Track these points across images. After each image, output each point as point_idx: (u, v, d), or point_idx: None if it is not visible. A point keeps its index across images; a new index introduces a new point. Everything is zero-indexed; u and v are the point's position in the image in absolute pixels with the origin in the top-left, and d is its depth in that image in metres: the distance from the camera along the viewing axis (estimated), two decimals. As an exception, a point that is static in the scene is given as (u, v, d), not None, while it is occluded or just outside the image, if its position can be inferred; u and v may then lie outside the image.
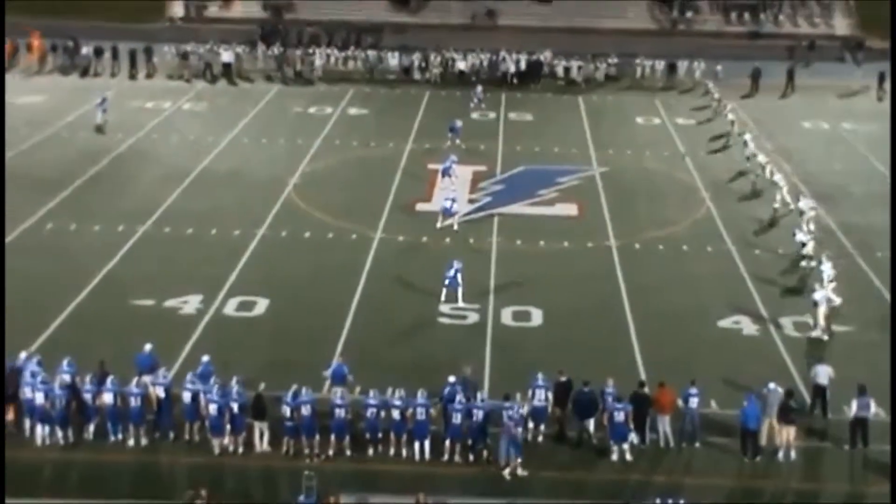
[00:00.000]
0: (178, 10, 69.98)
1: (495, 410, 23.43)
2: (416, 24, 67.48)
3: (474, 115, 51.41)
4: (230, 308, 30.19)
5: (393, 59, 60.44)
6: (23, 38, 59.85)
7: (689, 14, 68.07)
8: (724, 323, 29.86)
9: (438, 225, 36.18)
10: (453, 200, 36.64)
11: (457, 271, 30.52)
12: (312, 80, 57.95)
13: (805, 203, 36.91)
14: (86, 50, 59.24)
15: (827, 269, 30.70)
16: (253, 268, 33.01)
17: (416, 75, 59.07)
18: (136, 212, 37.14)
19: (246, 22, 67.12)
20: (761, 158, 42.09)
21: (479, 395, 23.88)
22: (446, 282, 30.52)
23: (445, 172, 39.76)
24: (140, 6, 68.61)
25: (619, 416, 23.45)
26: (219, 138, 46.42)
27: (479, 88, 53.26)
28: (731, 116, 48.64)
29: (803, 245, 33.97)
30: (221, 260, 33.33)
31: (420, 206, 38.61)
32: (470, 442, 23.43)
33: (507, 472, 22.84)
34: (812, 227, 35.68)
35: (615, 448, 23.57)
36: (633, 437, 23.76)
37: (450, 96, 55.73)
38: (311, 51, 60.69)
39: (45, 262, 33.04)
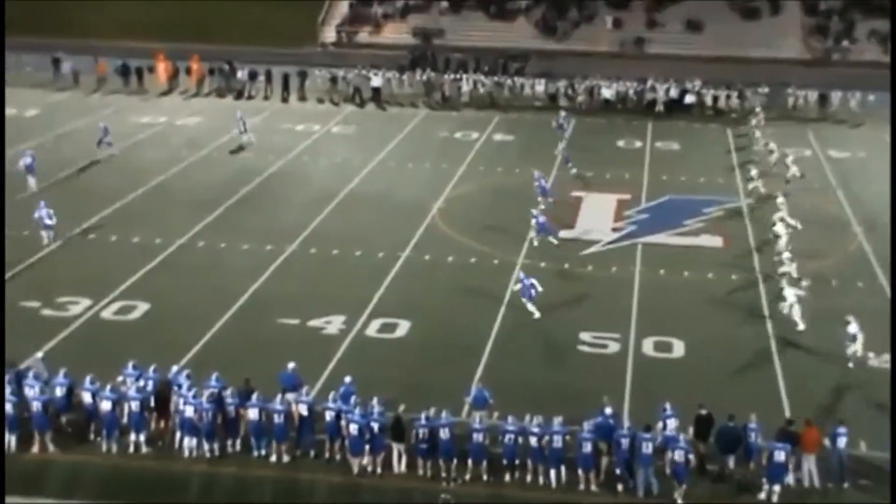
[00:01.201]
0: (330, 35, 71.31)
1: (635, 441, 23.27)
2: (564, 51, 67.36)
3: (620, 143, 51.01)
4: (372, 329, 30.54)
5: (539, 86, 60.54)
6: (182, 62, 62.05)
7: (845, 43, 66.35)
8: (875, 361, 28.90)
9: (534, 240, 36.55)
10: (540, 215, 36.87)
11: (530, 282, 31.03)
12: (459, 106, 58.43)
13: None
14: (241, 73, 61.04)
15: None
16: (396, 290, 33.34)
17: (562, 102, 59.00)
18: (283, 232, 37.88)
19: (395, 48, 67.96)
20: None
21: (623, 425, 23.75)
22: (524, 297, 31.05)
23: (543, 191, 40.12)
24: (295, 32, 70.14)
25: (780, 456, 22.81)
26: (366, 161, 47.13)
27: (563, 114, 52.44)
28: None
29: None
30: (365, 281, 33.72)
31: (563, 233, 38.51)
32: (618, 471, 23.28)
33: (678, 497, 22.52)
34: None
35: (766, 487, 22.95)
36: (791, 477, 23.15)
37: (594, 124, 55.50)
38: (458, 76, 61.29)
39: (197, 279, 33.99)
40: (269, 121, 54.84)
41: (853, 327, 28.68)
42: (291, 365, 25.57)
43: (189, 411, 24.08)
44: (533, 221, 36.81)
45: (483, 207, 41.48)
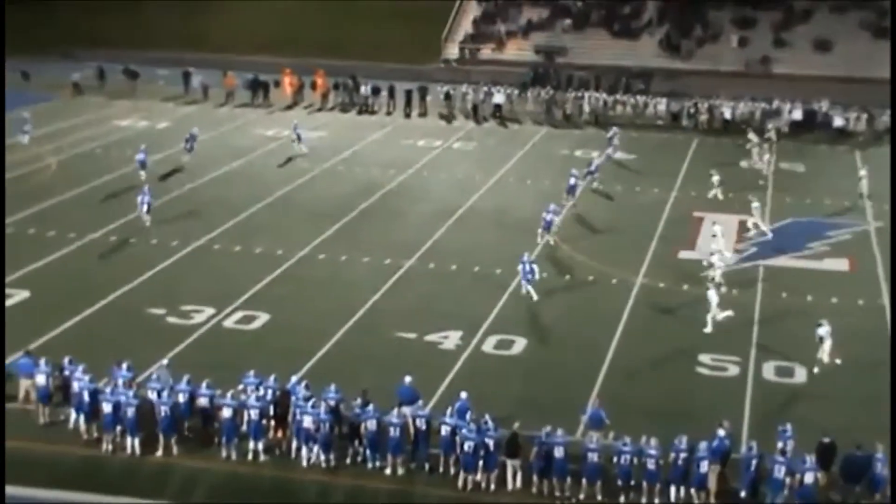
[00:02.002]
0: (453, 52, 71.81)
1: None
2: (687, 70, 66.65)
3: (743, 164, 50.20)
4: (489, 345, 30.51)
5: (661, 105, 60.01)
6: (308, 76, 63.02)
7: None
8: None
9: (539, 240, 37.60)
10: (553, 213, 38.39)
11: (530, 264, 33.04)
12: (580, 124, 58.12)
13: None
14: (364, 88, 61.69)
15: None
16: (513, 307, 33.26)
17: (685, 121, 58.36)
18: (403, 246, 38.15)
19: (517, 65, 68.11)
20: None
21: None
22: (524, 279, 33.06)
23: (570, 190, 42.59)
24: (418, 48, 70.90)
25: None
26: (486, 177, 47.20)
27: (615, 129, 52.06)
28: None
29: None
30: (482, 298, 33.74)
31: (683, 254, 38.01)
32: (743, 494, 23.02)
33: None
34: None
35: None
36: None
37: (718, 144, 54.69)
38: (580, 94, 61.04)
39: (317, 290, 34.39)
40: (390, 136, 55.42)
41: (824, 330, 28.77)
42: (408, 379, 25.49)
43: (307, 421, 24.35)
44: (548, 217, 38.02)
45: (603, 226, 41.25)
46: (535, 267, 33.54)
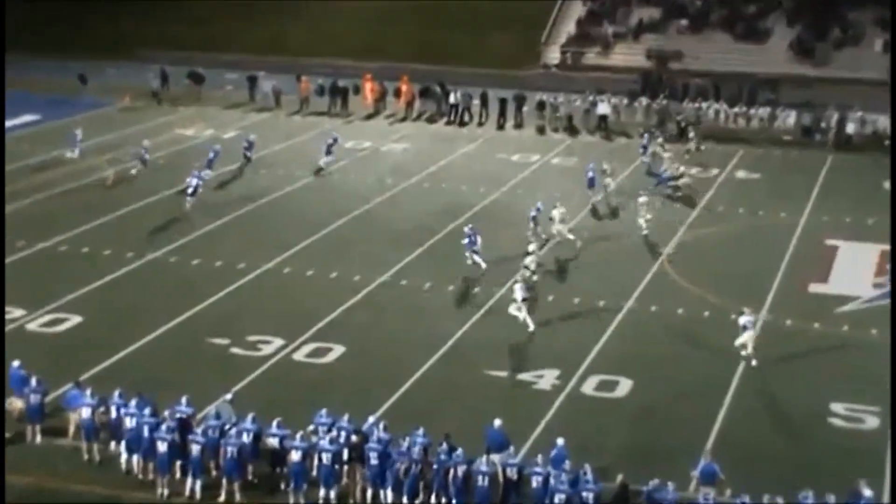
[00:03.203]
0: (553, 56, 71.91)
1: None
2: (822, 77, 65.76)
3: (885, 185, 49.28)
4: (589, 386, 30.37)
5: (790, 118, 59.37)
6: (391, 82, 63.70)
7: None
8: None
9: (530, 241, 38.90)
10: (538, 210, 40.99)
11: (470, 236, 36.82)
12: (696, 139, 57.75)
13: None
14: (454, 96, 62.07)
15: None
16: (616, 344, 33.17)
17: (818, 136, 57.66)
18: (492, 273, 38.22)
19: (626, 71, 67.98)
20: None
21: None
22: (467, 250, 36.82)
23: (591, 183, 46.02)
24: (515, 52, 71.13)
25: None
26: (588, 197, 47.19)
27: (647, 135, 53.06)
28: None
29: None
30: (583, 333, 33.73)
31: (814, 287, 37.54)
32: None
33: None
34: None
35: None
36: None
37: (856, 162, 54.01)
38: (697, 105, 60.76)
39: (398, 321, 34.68)
40: (482, 149, 55.81)
41: (746, 318, 31.68)
42: (498, 422, 25.44)
43: (385, 464, 24.44)
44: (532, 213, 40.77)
45: (721, 254, 40.98)
46: (479, 238, 37.47)
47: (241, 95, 65.57)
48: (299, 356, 32.00)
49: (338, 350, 32.29)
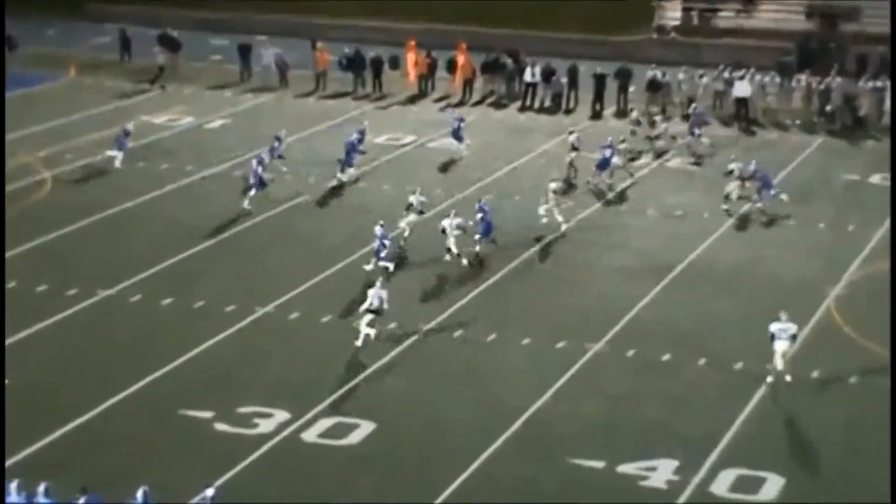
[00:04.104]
0: (673, 15, 71.39)
1: None
2: None
3: None
4: (721, 486, 30.22)
5: None
6: (443, 52, 64.38)
7: None
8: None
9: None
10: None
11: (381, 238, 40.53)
12: (880, 131, 58.04)
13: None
14: (530, 72, 62.57)
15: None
16: (759, 424, 33.01)
17: None
18: (583, 320, 38.46)
19: (775, 36, 67.50)
20: None
21: None
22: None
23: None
24: (616, 11, 70.54)
25: None
26: (720, 215, 47.24)
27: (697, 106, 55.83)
28: None
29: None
30: (712, 407, 33.68)
31: None
32: None
33: None
34: None
35: None
36: None
37: None
38: (879, 84, 60.32)
39: (450, 386, 34.87)
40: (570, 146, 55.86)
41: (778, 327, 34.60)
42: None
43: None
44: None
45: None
46: (388, 242, 40.87)
47: (232, 70, 66.35)
48: (311, 436, 32.03)
49: (365, 427, 32.33)
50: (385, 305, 36.73)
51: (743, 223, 46.97)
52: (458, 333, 37.96)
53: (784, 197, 47.65)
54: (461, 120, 54.01)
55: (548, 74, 62.51)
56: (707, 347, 36.92)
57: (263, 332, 37.91)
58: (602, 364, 36.00)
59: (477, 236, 43.14)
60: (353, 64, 64.33)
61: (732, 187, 47.86)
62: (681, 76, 61.79)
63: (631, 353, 36.76)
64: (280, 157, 50.68)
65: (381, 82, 63.99)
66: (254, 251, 44.12)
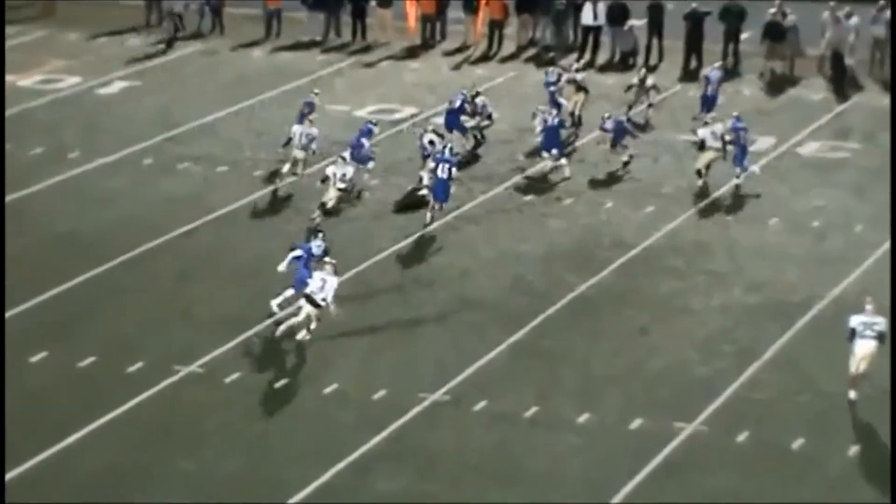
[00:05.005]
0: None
1: None
2: None
3: None
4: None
5: None
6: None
7: None
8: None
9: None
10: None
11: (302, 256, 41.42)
12: None
13: None
14: (590, 13, 62.56)
15: None
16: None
17: None
18: (673, 398, 38.27)
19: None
20: None
21: None
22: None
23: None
24: None
25: None
26: (877, 228, 48.11)
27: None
28: None
29: None
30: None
31: None
32: None
33: None
34: None
35: None
36: None
37: None
38: None
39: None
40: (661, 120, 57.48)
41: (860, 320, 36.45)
42: None
43: None
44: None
45: None
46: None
47: (136, 6, 67.00)
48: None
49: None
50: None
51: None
52: (499, 405, 37.66)
53: (755, 169, 50.72)
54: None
55: (617, 14, 63.01)
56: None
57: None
58: (699, 452, 36.10)
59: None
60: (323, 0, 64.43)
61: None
62: (826, 17, 61.82)
63: (742, 437, 36.75)
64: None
65: (365, 26, 64.30)
66: (175, 276, 44.29)
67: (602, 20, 62.87)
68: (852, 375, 36.40)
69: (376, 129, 52.45)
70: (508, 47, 64.04)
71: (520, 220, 48.55)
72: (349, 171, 47.36)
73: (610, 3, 62.83)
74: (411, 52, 63.44)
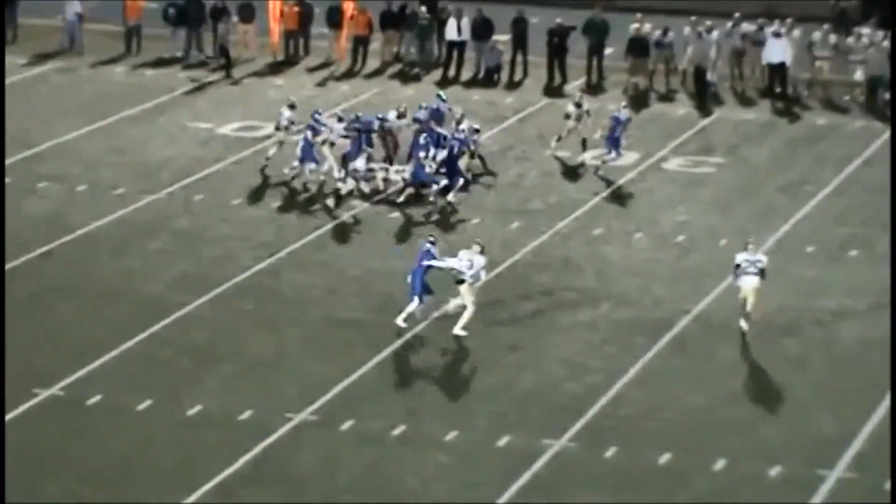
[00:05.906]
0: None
1: None
2: None
3: None
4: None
5: None
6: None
7: None
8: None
9: None
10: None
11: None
12: None
13: None
14: (455, 27, 62.05)
15: None
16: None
17: None
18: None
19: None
20: None
21: None
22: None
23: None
24: None
25: None
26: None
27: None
28: None
29: None
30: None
31: None
32: None
33: None
34: None
35: None
36: None
37: None
38: None
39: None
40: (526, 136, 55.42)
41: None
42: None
43: None
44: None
45: None
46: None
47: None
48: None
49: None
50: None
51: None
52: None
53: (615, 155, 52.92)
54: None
55: (482, 29, 62.90)
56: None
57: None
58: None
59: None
60: (184, 16, 64.37)
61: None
62: (693, 31, 62.47)
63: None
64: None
65: (228, 43, 63.62)
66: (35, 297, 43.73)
67: (467, 35, 62.71)
68: (743, 310, 40.38)
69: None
70: (373, 63, 63.91)
71: (389, 237, 48.41)
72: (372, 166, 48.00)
73: (474, 18, 62.52)
74: (275, 69, 63.40)
